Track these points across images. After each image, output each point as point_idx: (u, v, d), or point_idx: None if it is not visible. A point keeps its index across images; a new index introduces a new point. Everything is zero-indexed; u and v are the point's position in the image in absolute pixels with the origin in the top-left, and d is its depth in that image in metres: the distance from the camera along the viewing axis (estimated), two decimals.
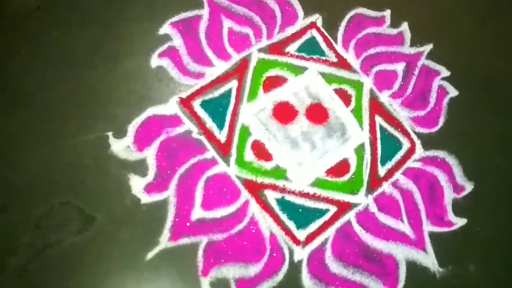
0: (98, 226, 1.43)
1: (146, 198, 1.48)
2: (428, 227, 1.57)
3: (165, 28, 1.68)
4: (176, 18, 1.71)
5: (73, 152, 1.50)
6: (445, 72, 1.79)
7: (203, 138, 1.57)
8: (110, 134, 1.53)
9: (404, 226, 1.56)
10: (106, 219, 1.44)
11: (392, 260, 1.51)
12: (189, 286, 1.40)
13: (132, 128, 1.55)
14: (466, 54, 1.81)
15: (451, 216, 1.60)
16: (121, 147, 1.52)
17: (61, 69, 1.59)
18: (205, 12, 1.73)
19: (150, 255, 1.42)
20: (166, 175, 1.51)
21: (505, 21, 1.85)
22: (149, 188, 1.49)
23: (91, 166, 1.49)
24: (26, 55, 1.59)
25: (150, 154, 1.53)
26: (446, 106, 1.76)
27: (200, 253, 1.44)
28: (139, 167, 1.51)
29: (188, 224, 1.47)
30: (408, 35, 1.84)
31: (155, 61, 1.65)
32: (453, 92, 1.77)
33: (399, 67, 1.79)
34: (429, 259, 1.52)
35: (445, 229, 1.58)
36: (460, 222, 1.59)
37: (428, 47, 1.82)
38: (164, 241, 1.44)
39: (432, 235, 1.56)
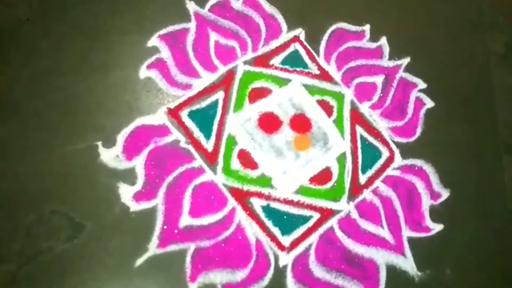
0: (88, 233, 1.46)
1: (135, 206, 1.51)
2: (406, 233, 1.64)
3: (153, 41, 1.72)
4: (164, 31, 1.75)
5: (63, 161, 1.52)
6: (422, 85, 1.87)
7: (190, 147, 1.61)
8: (99, 143, 1.56)
9: (384, 232, 1.63)
10: (96, 227, 1.47)
11: (372, 265, 1.57)
12: None
13: (121, 137, 1.59)
14: (441, 67, 1.90)
15: (428, 222, 1.67)
16: (111, 156, 1.55)
17: (51, 79, 1.61)
18: (192, 25, 1.78)
19: (139, 261, 1.45)
20: (154, 183, 1.55)
21: (475, 39, 1.95)
22: (138, 196, 1.52)
23: (81, 175, 1.51)
24: (16, 66, 1.61)
25: (138, 163, 1.56)
26: (423, 117, 1.84)
27: (188, 259, 1.48)
28: (128, 176, 1.54)
29: (176, 231, 1.51)
30: (386, 49, 1.91)
31: (143, 72, 1.68)
32: (429, 103, 1.85)
33: (378, 79, 1.86)
34: (408, 263, 1.59)
35: (423, 234, 1.65)
36: (437, 227, 1.66)
37: (405, 61, 1.90)
38: (153, 248, 1.47)
39: (410, 240, 1.63)
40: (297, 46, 1.84)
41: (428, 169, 1.76)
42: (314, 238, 1.58)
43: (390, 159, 1.77)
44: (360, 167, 1.72)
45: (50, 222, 1.45)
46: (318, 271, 1.54)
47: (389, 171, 1.74)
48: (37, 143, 1.54)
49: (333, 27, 1.91)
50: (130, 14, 1.75)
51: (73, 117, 1.59)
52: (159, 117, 1.63)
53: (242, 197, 1.59)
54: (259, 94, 1.74)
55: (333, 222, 1.61)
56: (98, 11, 1.72)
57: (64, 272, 1.41)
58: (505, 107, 1.88)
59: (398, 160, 1.77)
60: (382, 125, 1.80)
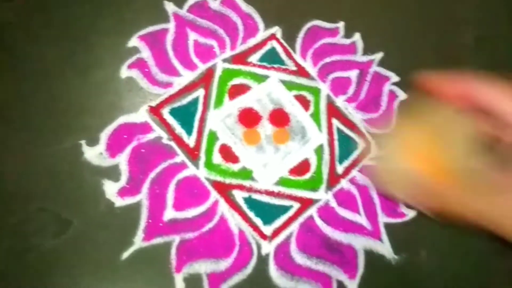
0: (74, 229, 1.50)
1: (120, 202, 1.55)
2: (383, 219, 1.70)
3: (134, 41, 1.76)
4: (143, 32, 1.79)
5: (48, 161, 1.56)
6: (395, 78, 1.94)
7: (173, 144, 1.66)
8: (83, 142, 1.60)
9: (361, 219, 1.69)
10: (82, 223, 1.51)
11: (351, 250, 1.63)
12: (164, 282, 1.48)
13: (104, 136, 1.62)
14: (412, 61, 1.96)
15: (403, 208, 1.74)
16: (94, 154, 1.59)
17: (35, 82, 1.64)
18: (171, 25, 1.82)
19: (125, 255, 1.49)
20: (138, 179, 1.59)
21: (446, 33, 2.02)
22: (122, 192, 1.57)
23: (66, 173, 1.55)
24: (0, 68, 1.65)
25: (122, 160, 1.61)
26: (396, 109, 1.91)
27: (173, 251, 1.52)
28: (112, 173, 1.58)
29: (160, 224, 1.55)
30: (360, 45, 1.97)
31: (124, 72, 1.72)
32: (402, 95, 1.92)
33: (353, 74, 1.92)
34: (384, 248, 1.66)
35: (399, 220, 1.71)
36: (411, 213, 1.73)
37: (378, 55, 1.96)
38: (138, 241, 1.52)
39: (387, 225, 1.69)
40: (274, 43, 1.90)
41: None
42: (294, 226, 1.64)
43: (366, 150, 1.83)
44: (337, 158, 1.78)
45: (37, 220, 1.49)
46: (299, 258, 1.59)
47: (365, 161, 1.81)
48: (22, 143, 1.57)
49: (309, 24, 1.96)
50: (111, 16, 1.79)
51: (57, 117, 1.62)
52: (141, 115, 1.68)
53: (224, 189, 1.64)
54: (239, 90, 1.79)
55: (312, 211, 1.68)
56: (80, 14, 1.75)
57: (53, 268, 1.45)
58: None
59: (374, 151, 1.84)
60: (358, 117, 1.86)
